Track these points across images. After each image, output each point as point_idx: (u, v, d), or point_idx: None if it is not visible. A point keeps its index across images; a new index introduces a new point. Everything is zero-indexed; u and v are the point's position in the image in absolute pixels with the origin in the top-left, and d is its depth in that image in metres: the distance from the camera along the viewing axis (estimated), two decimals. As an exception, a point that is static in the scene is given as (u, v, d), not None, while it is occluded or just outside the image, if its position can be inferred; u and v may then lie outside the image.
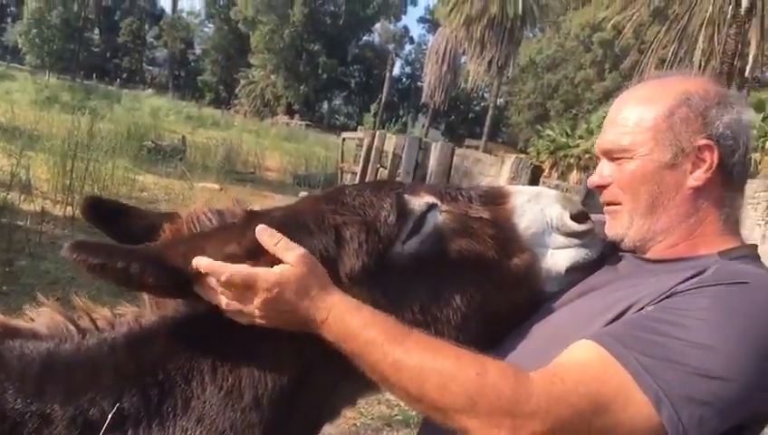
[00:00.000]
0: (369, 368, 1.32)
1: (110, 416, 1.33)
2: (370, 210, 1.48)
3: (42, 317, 1.47)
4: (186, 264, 1.31)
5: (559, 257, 1.55)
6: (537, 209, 1.56)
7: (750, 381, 1.21)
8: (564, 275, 1.55)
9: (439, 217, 1.51)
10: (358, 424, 4.86)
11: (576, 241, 1.56)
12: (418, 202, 1.51)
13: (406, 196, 1.52)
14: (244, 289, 1.32)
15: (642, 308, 1.34)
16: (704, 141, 1.45)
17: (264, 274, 1.32)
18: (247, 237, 1.38)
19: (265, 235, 1.37)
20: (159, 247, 1.37)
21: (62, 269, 6.48)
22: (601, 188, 1.60)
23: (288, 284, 1.32)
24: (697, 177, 1.46)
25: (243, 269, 1.32)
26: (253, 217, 1.47)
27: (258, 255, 1.36)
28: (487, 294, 1.49)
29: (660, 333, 1.24)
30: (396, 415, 5.02)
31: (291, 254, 1.35)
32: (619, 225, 1.55)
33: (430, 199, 1.53)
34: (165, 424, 1.36)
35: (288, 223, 1.45)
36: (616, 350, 1.23)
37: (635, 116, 1.52)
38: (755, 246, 1.54)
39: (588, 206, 1.68)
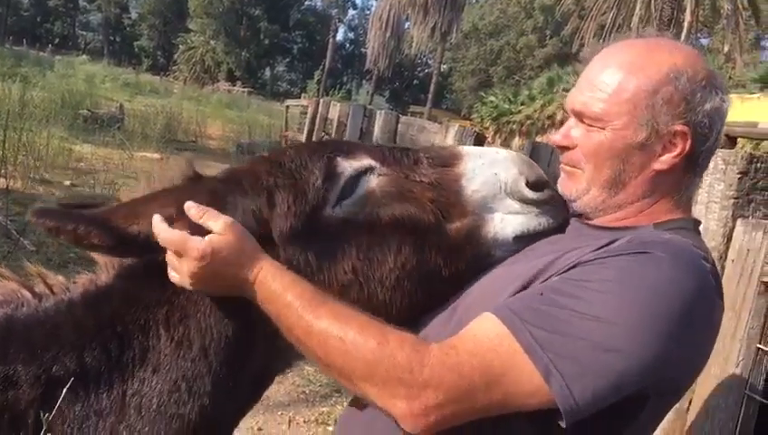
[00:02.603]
0: (285, 330, 1.36)
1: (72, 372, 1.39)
2: (303, 173, 1.50)
3: None
4: (126, 224, 1.42)
5: (508, 223, 1.50)
6: (490, 173, 1.52)
7: (645, 353, 1.20)
8: (513, 243, 1.51)
9: (374, 181, 1.51)
10: (307, 391, 4.90)
11: (532, 208, 1.51)
12: (351, 165, 1.51)
13: (339, 159, 1.52)
14: (176, 253, 1.40)
15: (548, 278, 1.34)
16: (680, 127, 1.40)
17: (194, 241, 1.38)
18: (183, 201, 1.45)
19: (192, 208, 1.43)
20: (105, 211, 1.45)
21: (-3, 243, 6.29)
22: (564, 148, 1.54)
23: (217, 251, 1.37)
24: (664, 161, 1.43)
25: (175, 234, 1.39)
26: (193, 179, 1.56)
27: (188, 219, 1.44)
28: (424, 257, 1.47)
29: (557, 305, 1.24)
30: (344, 381, 5.08)
31: (217, 223, 1.39)
32: (574, 188, 1.52)
33: (367, 162, 1.53)
34: (124, 375, 1.42)
35: (226, 182, 1.53)
36: (511, 323, 1.23)
37: (615, 83, 1.43)
38: (695, 220, 1.53)
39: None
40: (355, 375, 1.28)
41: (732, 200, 2.21)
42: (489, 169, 1.53)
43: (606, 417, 1.25)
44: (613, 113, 1.43)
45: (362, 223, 1.46)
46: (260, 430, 4.29)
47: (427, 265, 1.48)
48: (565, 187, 1.54)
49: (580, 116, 1.50)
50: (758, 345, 2.13)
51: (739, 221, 2.21)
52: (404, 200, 1.49)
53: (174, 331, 1.45)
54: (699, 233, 1.52)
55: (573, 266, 1.32)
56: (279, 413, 4.52)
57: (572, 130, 1.52)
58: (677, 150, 1.42)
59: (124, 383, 1.42)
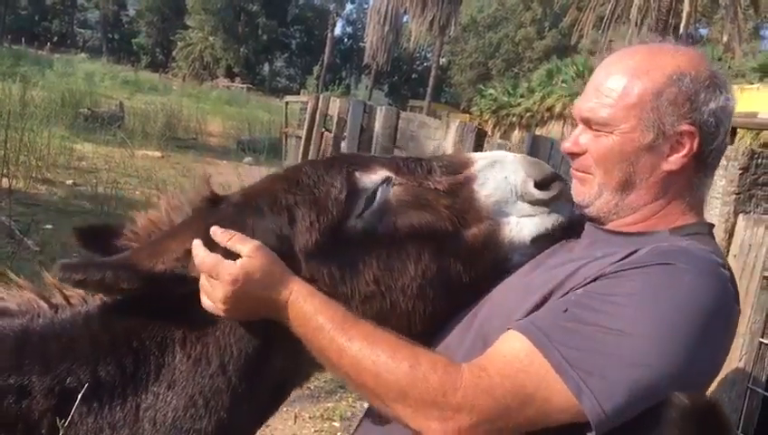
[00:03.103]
0: (317, 352, 1.39)
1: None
2: (322, 188, 1.52)
3: (12, 295, 1.52)
4: (151, 264, 1.43)
5: (524, 226, 1.52)
6: (500, 177, 1.55)
7: (670, 364, 1.23)
8: (530, 245, 1.53)
9: (391, 191, 1.53)
10: (311, 387, 4.92)
11: (543, 208, 1.53)
12: (370, 178, 1.54)
13: (357, 173, 1.54)
14: (210, 277, 1.42)
15: (569, 291, 1.36)
16: (687, 127, 1.42)
17: (227, 265, 1.40)
18: (204, 231, 1.47)
19: (218, 233, 1.45)
20: (128, 255, 1.47)
21: (1, 244, 6.30)
22: (574, 154, 1.56)
23: (250, 274, 1.39)
24: (673, 161, 1.44)
25: (211, 256, 1.42)
26: (211, 201, 1.57)
27: (216, 245, 1.46)
28: (444, 263, 1.49)
29: (583, 322, 1.26)
30: (349, 377, 5.10)
31: (246, 247, 1.42)
32: (587, 193, 1.53)
33: (384, 174, 1.55)
34: (138, 390, 1.44)
35: (243, 205, 1.54)
36: (539, 342, 1.25)
37: (620, 88, 1.45)
38: (709, 224, 1.55)
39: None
40: (388, 397, 1.31)
41: (733, 196, 2.23)
42: (499, 174, 1.55)
43: (628, 428, 1.27)
44: (620, 117, 1.45)
45: (382, 234, 1.49)
46: (266, 426, 4.32)
47: (446, 271, 1.50)
48: (578, 192, 1.56)
49: (587, 122, 1.52)
50: (761, 339, 2.15)
51: (741, 217, 2.22)
52: (420, 208, 1.52)
53: (191, 348, 1.46)
54: (713, 237, 1.54)
55: (595, 279, 1.34)
56: (285, 410, 4.54)
57: (581, 137, 1.54)
58: (685, 150, 1.44)
59: (138, 398, 1.43)
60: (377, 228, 1.50)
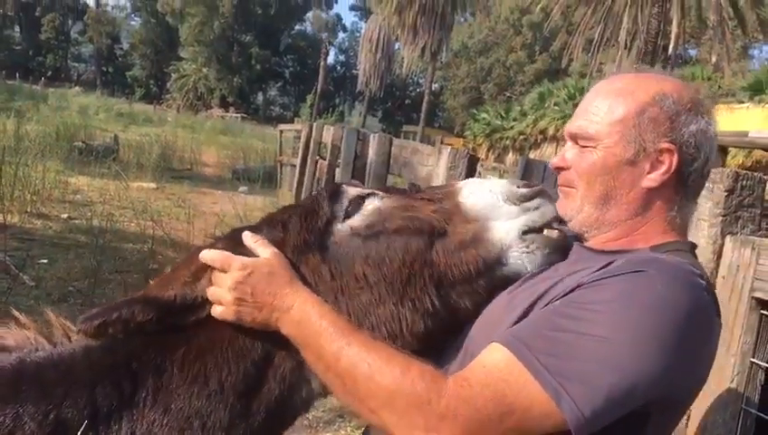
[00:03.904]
0: (313, 356, 1.42)
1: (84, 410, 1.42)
2: (312, 201, 1.65)
3: (11, 332, 1.55)
4: (162, 293, 1.50)
5: (512, 226, 1.55)
6: (485, 190, 1.61)
7: (647, 369, 1.25)
8: (521, 241, 1.54)
9: (379, 200, 1.62)
10: (310, 417, 4.89)
11: (530, 204, 1.57)
12: (355, 189, 1.65)
13: (344, 186, 1.67)
14: (221, 269, 1.51)
15: (549, 302, 1.39)
16: (666, 145, 1.48)
17: (239, 257, 1.52)
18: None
19: (248, 236, 1.58)
20: (142, 292, 1.55)
21: (-4, 279, 6.29)
22: (561, 169, 1.63)
23: (260, 268, 1.49)
24: (653, 178, 1.50)
25: (222, 252, 1.54)
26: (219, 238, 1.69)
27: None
28: (431, 258, 1.53)
29: (561, 329, 1.29)
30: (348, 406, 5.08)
31: (266, 251, 1.53)
32: (569, 206, 1.59)
33: (370, 190, 1.65)
34: (134, 415, 1.44)
35: (246, 228, 1.65)
36: (518, 351, 1.28)
37: (606, 107, 1.54)
38: (691, 243, 1.59)
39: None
40: (377, 402, 1.33)
41: (720, 218, 2.25)
42: (483, 188, 1.62)
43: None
44: (604, 133, 1.52)
45: (370, 234, 1.56)
46: (264, 458, 4.29)
47: (434, 267, 1.52)
48: (561, 207, 1.61)
49: (575, 138, 1.60)
50: (752, 359, 2.16)
51: (728, 238, 2.25)
52: (408, 210, 1.59)
53: (189, 369, 1.48)
54: (695, 255, 1.57)
55: (573, 290, 1.37)
56: (283, 441, 4.52)
57: (567, 153, 1.61)
58: (665, 167, 1.49)
59: (134, 423, 1.43)
60: (365, 230, 1.57)
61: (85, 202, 11.03)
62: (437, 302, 1.52)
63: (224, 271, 1.51)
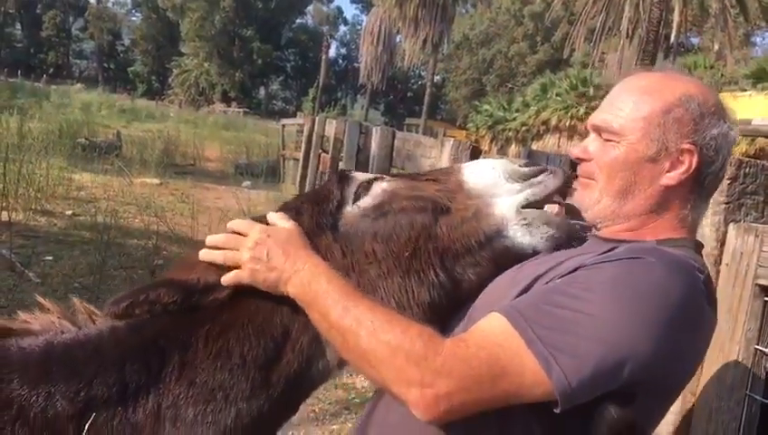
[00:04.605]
0: (319, 314, 1.48)
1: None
2: (322, 188, 1.77)
3: (35, 318, 1.61)
4: (185, 276, 1.58)
5: (515, 200, 1.61)
6: (487, 169, 1.68)
7: (635, 348, 1.30)
8: (520, 215, 1.59)
9: (387, 183, 1.70)
10: (316, 410, 4.92)
11: (532, 181, 1.62)
12: (363, 175, 1.74)
13: (352, 172, 1.77)
14: (241, 234, 1.62)
15: (550, 280, 1.45)
16: (688, 146, 1.51)
17: (260, 224, 1.63)
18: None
19: (274, 214, 1.68)
20: (165, 275, 1.65)
21: (2, 277, 6.32)
22: (581, 160, 1.66)
23: (276, 232, 1.59)
24: (672, 176, 1.53)
25: (245, 220, 1.66)
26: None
27: None
28: (436, 231, 1.60)
29: (558, 305, 1.35)
30: (353, 398, 5.10)
31: (285, 222, 1.63)
32: (587, 197, 1.62)
33: (376, 176, 1.74)
34: (161, 389, 1.51)
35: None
36: (515, 321, 1.34)
37: (632, 103, 1.57)
38: (698, 242, 1.62)
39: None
40: (376, 358, 1.38)
41: (723, 205, 2.25)
42: (485, 168, 1.69)
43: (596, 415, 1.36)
44: (629, 129, 1.55)
45: (378, 214, 1.64)
46: (272, 451, 4.32)
47: (439, 240, 1.59)
48: (580, 197, 1.65)
49: (598, 130, 1.63)
50: (756, 346, 2.16)
51: (731, 226, 2.25)
52: (413, 190, 1.67)
53: (213, 345, 1.55)
54: (700, 254, 1.60)
55: (575, 270, 1.42)
56: (290, 433, 4.55)
57: (590, 145, 1.64)
58: (684, 167, 1.53)
59: (160, 397, 1.50)
60: (374, 211, 1.65)
61: (89, 199, 11.06)
62: (442, 274, 1.58)
63: (245, 235, 1.60)
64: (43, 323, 1.59)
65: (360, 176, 1.74)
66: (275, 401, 1.58)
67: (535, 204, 1.61)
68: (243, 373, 1.54)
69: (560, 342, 1.30)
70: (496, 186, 1.63)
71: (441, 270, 1.58)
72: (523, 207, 1.60)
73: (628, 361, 1.30)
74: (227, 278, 1.57)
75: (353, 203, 1.67)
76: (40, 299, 1.64)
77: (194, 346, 1.55)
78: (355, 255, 1.61)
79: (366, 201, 1.67)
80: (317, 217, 1.66)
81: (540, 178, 1.63)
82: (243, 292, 1.57)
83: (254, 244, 1.57)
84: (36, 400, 1.44)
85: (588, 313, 1.32)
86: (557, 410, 1.30)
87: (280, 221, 1.64)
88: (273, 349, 1.57)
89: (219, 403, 1.52)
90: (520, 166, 1.66)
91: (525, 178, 1.63)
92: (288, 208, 1.72)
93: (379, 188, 1.69)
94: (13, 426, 1.41)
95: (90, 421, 1.43)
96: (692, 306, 1.39)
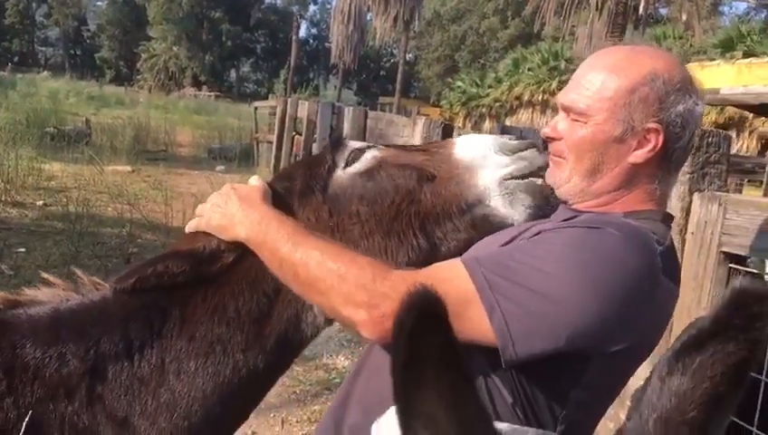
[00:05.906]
0: (269, 251, 1.57)
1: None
2: (317, 156, 1.87)
3: (41, 291, 1.69)
4: (190, 245, 1.67)
5: (498, 172, 1.66)
6: (477, 142, 1.73)
7: (581, 307, 1.34)
8: (502, 187, 1.65)
9: (376, 151, 1.77)
10: (297, 391, 4.96)
11: (520, 154, 1.68)
12: (357, 143, 1.82)
13: (346, 139, 1.86)
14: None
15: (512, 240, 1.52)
16: (653, 125, 1.53)
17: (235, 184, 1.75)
18: None
19: (252, 178, 1.79)
20: (170, 248, 1.75)
21: (-25, 270, 6.25)
22: (552, 139, 1.68)
23: (240, 188, 1.72)
24: (639, 155, 1.55)
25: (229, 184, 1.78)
26: None
27: None
28: (419, 197, 1.68)
29: (514, 260, 1.40)
30: (334, 378, 5.14)
31: (254, 183, 1.74)
32: (558, 175, 1.64)
33: (372, 144, 1.82)
34: (162, 345, 1.60)
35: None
36: (470, 266, 1.40)
37: (598, 82, 1.57)
38: (667, 214, 1.65)
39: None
40: (326, 285, 1.45)
41: (687, 175, 2.30)
42: (476, 141, 1.74)
43: (552, 372, 1.40)
44: (595, 109, 1.56)
45: (367, 179, 1.72)
46: (254, 433, 4.35)
47: (422, 205, 1.66)
48: (551, 175, 1.67)
49: (567, 110, 1.64)
50: (722, 312, 2.22)
51: (696, 195, 2.29)
52: (401, 158, 1.75)
53: (210, 301, 1.64)
54: (668, 226, 1.62)
55: (537, 233, 1.48)
56: (271, 415, 4.58)
57: (559, 124, 1.65)
58: (650, 146, 1.54)
59: (163, 352, 1.60)
60: (363, 176, 1.73)
61: (60, 188, 10.93)
62: (421, 237, 1.66)
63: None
64: (49, 294, 1.68)
65: (354, 144, 1.81)
66: (269, 354, 1.67)
67: (521, 178, 1.67)
68: (238, 326, 1.63)
69: (507, 290, 1.35)
70: (485, 158, 1.68)
71: (421, 233, 1.65)
72: (507, 180, 1.65)
73: (572, 323, 1.33)
74: (189, 225, 1.70)
75: (344, 168, 1.75)
76: (44, 275, 1.73)
77: (192, 303, 1.63)
78: (341, 215, 1.69)
79: (356, 166, 1.74)
80: (309, 180, 1.75)
81: (527, 153, 1.68)
82: (240, 254, 1.66)
83: (217, 195, 1.70)
84: (50, 361, 1.53)
85: (541, 269, 1.36)
86: (504, 363, 1.34)
87: (252, 182, 1.74)
88: (265, 303, 1.66)
89: (218, 356, 1.61)
90: (509, 139, 1.72)
91: (514, 151, 1.68)
92: (283, 174, 1.84)
93: (371, 154, 1.76)
94: (32, 386, 1.51)
95: (100, 377, 1.54)
96: (646, 277, 1.41)
